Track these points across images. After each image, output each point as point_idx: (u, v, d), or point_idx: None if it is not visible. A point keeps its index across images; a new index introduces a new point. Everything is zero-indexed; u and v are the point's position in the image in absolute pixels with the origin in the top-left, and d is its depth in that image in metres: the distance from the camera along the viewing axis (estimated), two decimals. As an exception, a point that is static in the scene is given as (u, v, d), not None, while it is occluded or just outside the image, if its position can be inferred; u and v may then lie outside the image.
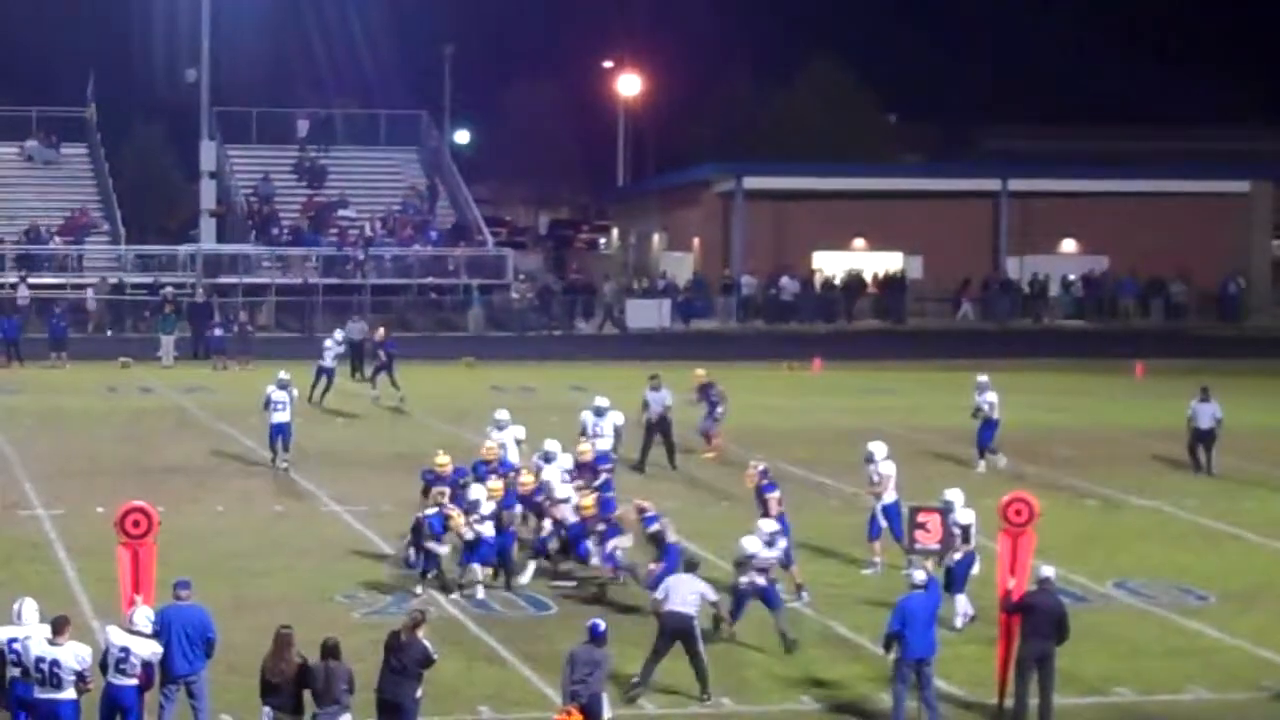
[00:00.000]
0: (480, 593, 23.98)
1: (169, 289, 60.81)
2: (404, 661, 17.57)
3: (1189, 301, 74.60)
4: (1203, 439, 35.23)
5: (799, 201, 75.29)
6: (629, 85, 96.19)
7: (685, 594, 20.36)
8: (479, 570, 24.17)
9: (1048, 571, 19.55)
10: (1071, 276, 75.23)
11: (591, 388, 41.31)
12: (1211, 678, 21.28)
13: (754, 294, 72.68)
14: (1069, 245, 77.73)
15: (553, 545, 25.06)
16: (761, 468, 25.21)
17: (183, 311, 58.40)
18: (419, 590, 23.91)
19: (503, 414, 29.04)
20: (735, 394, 47.77)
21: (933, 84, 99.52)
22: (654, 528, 23.50)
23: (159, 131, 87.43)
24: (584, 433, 30.38)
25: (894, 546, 25.77)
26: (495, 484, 24.96)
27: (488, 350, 57.45)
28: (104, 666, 17.33)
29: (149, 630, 17.50)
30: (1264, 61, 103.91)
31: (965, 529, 22.91)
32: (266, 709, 17.41)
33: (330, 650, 17.17)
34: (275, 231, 69.16)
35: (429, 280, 68.54)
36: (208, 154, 69.82)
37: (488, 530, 24.22)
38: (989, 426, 34.87)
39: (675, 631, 20.19)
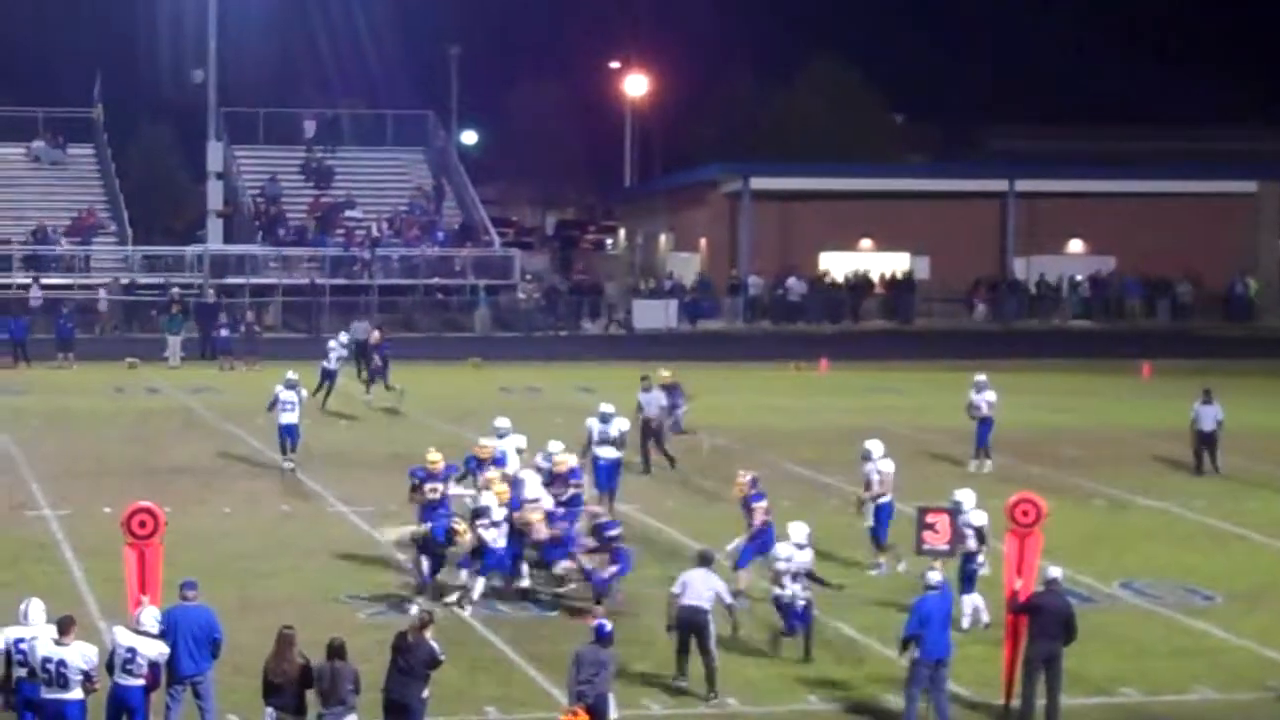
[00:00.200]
0: (476, 595, 23.70)
1: (176, 289, 60.92)
2: (411, 662, 17.59)
3: (1195, 302, 74.59)
4: (1205, 441, 35.23)
5: (805, 202, 75.32)
6: (635, 85, 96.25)
7: (701, 589, 20.41)
8: (482, 582, 23.84)
9: (1055, 572, 19.56)
10: (1078, 277, 75.21)
11: (598, 388, 41.33)
12: (1217, 678, 21.28)
13: (760, 294, 72.69)
14: (1076, 246, 77.72)
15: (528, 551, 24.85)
16: (750, 478, 24.91)
17: (190, 312, 58.43)
18: (419, 601, 23.61)
19: (503, 422, 28.59)
20: (741, 394, 48.04)
21: (934, 84, 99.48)
22: (612, 532, 23.67)
23: (166, 132, 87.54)
24: (590, 440, 30.28)
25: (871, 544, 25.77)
26: (501, 487, 24.58)
27: (494, 351, 57.47)
28: (110, 667, 17.34)
29: (156, 630, 17.52)
30: (1265, 61, 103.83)
31: (979, 530, 22.91)
32: (269, 710, 17.43)
33: (336, 650, 17.18)
34: (282, 232, 69.23)
35: (435, 281, 68.58)
36: (214, 154, 69.90)
37: (499, 539, 23.88)
38: (985, 426, 34.88)
39: (689, 626, 20.23)
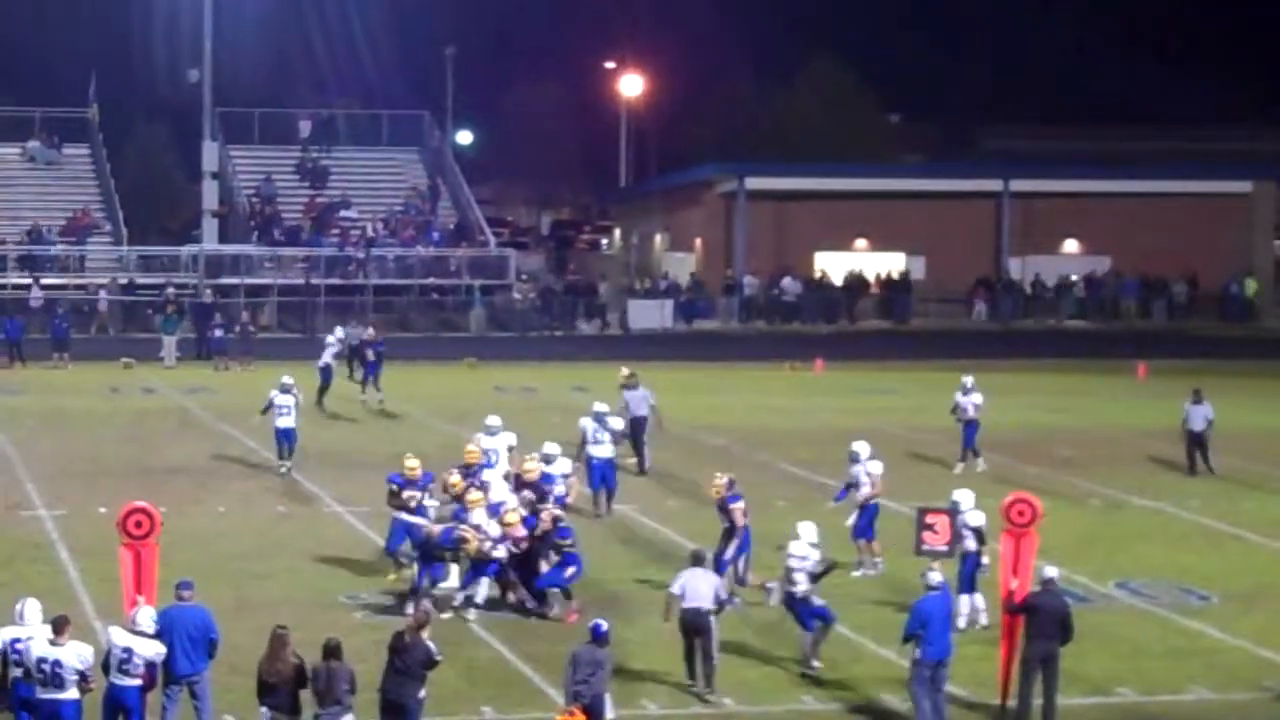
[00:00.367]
0: (480, 600, 23.64)
1: (171, 290, 60.87)
2: (408, 662, 17.59)
3: (1191, 302, 74.60)
4: (1196, 441, 35.23)
5: (801, 202, 75.33)
6: (631, 85, 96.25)
7: (702, 589, 20.42)
8: (486, 584, 23.65)
9: (1052, 572, 19.56)
10: (1074, 277, 75.24)
11: (593, 388, 41.31)
12: (1213, 678, 21.29)
13: (756, 294, 72.71)
14: (1071, 246, 77.75)
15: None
16: (727, 479, 24.80)
17: (185, 312, 58.36)
18: (409, 609, 23.47)
19: (494, 420, 28.58)
20: (737, 394, 48.07)
21: (933, 84, 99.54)
22: (565, 540, 23.64)
23: (161, 132, 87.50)
24: (584, 440, 30.26)
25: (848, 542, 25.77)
26: (476, 495, 24.02)
27: (489, 351, 57.47)
28: (106, 667, 17.35)
29: (152, 631, 17.51)
30: (1264, 61, 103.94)
31: (977, 530, 22.93)
32: (264, 710, 17.44)
33: (332, 651, 17.18)
34: (276, 233, 69.20)
35: (431, 281, 68.58)
36: (210, 154, 69.93)
37: (500, 551, 23.73)
38: (969, 428, 34.86)
39: (693, 628, 20.24)
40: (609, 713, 18.34)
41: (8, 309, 57.95)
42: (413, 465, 25.40)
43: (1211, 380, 39.66)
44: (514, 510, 24.05)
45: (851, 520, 26.09)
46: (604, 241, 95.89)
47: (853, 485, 26.42)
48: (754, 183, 75.06)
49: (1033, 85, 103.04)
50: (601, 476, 30.16)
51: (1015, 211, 76.11)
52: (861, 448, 26.52)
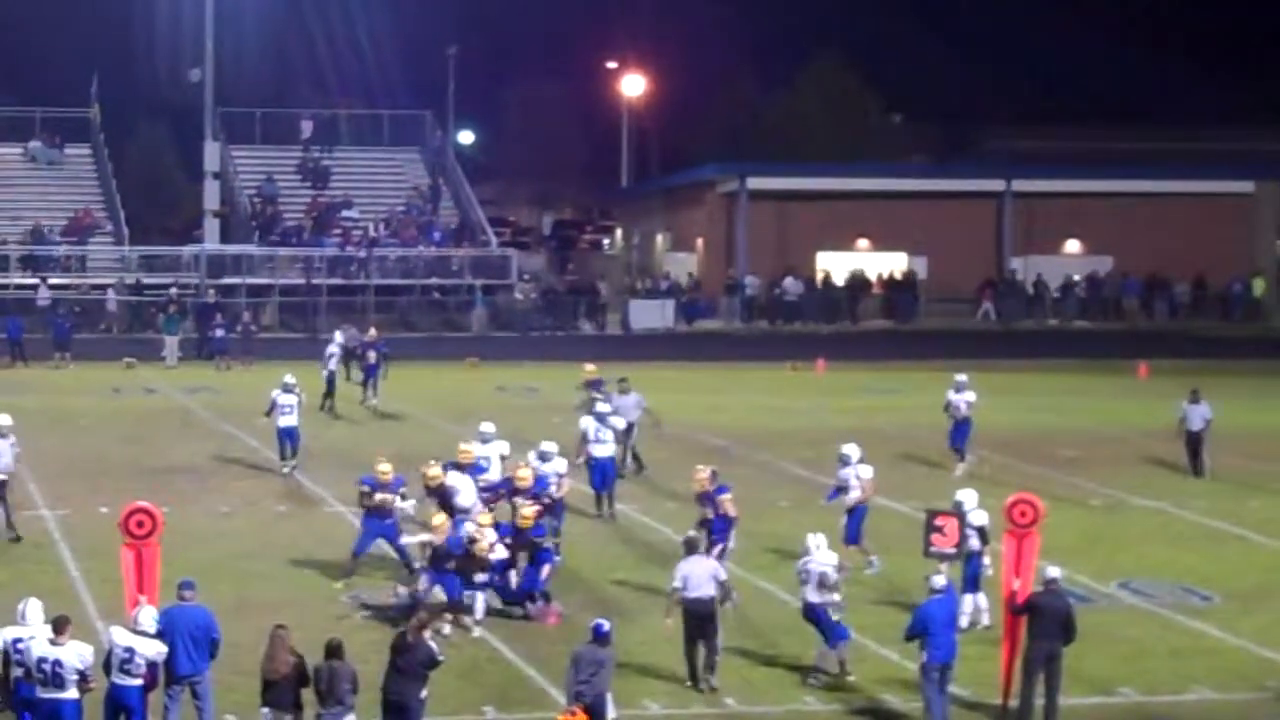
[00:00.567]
0: (479, 613, 23.35)
1: (174, 289, 60.85)
2: (409, 662, 17.60)
3: (1193, 302, 74.57)
4: (1193, 440, 35.20)
5: (802, 202, 75.32)
6: (633, 86, 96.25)
7: (702, 577, 20.41)
8: (482, 598, 23.40)
9: (1054, 572, 19.55)
10: (1076, 277, 75.21)
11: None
12: (1215, 678, 21.29)
13: (757, 294, 72.69)
14: (1073, 246, 77.72)
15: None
16: (710, 471, 24.85)
17: (187, 312, 58.33)
18: (402, 585, 23.41)
19: (488, 427, 28.30)
20: (738, 394, 48.05)
21: (935, 84, 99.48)
22: (539, 538, 23.69)
23: (162, 132, 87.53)
24: (585, 439, 30.24)
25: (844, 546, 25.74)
26: (440, 519, 23.76)
27: (491, 350, 57.46)
28: (108, 667, 17.35)
29: (153, 630, 17.52)
30: (1265, 61, 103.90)
31: (980, 530, 22.91)
32: (265, 710, 17.44)
33: (334, 650, 17.19)
34: (277, 234, 69.17)
35: (432, 281, 68.57)
36: (211, 154, 69.91)
37: (500, 552, 23.69)
38: (962, 426, 34.80)
39: (697, 617, 20.25)
40: (610, 712, 18.35)
41: (9, 309, 57.96)
42: (385, 469, 25.33)
43: (1214, 380, 39.66)
44: (486, 514, 24.09)
45: (842, 524, 25.98)
46: (606, 241, 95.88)
47: (843, 488, 26.35)
48: (756, 183, 75.05)
49: (1035, 85, 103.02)
50: (603, 476, 30.15)
51: (1017, 211, 76.08)
52: (852, 450, 26.45)
